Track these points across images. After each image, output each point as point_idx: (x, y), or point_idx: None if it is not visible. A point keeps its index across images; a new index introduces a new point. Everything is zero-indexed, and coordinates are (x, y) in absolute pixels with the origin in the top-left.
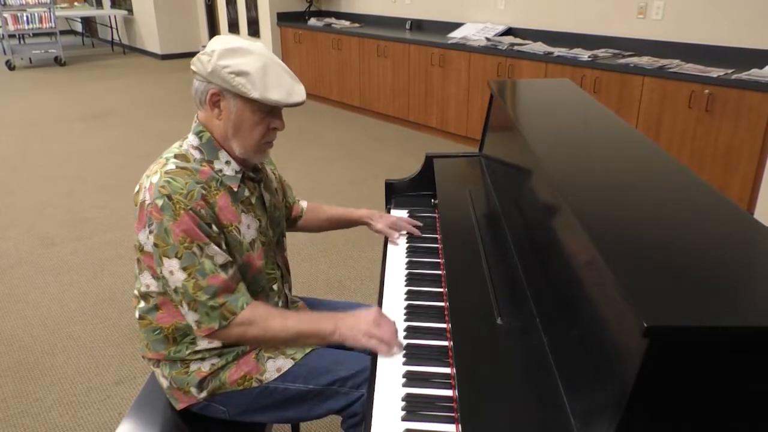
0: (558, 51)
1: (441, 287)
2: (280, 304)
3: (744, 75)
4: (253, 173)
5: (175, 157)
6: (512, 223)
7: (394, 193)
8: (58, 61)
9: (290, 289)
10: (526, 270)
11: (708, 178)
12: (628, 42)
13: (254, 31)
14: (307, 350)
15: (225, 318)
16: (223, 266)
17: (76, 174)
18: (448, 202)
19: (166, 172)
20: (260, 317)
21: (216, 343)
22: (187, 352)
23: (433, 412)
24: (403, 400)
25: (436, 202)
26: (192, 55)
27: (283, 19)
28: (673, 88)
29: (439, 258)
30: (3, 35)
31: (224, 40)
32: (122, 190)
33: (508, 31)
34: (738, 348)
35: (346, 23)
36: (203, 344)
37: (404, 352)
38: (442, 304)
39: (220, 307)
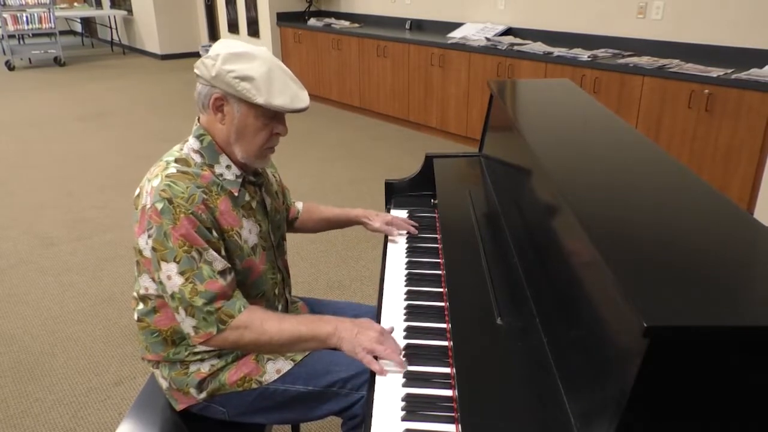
0: (558, 51)
1: (441, 287)
2: (280, 308)
3: (744, 75)
4: (253, 177)
5: (176, 161)
6: (512, 223)
7: (394, 193)
8: (57, 62)
9: (290, 293)
10: (526, 270)
11: (708, 178)
12: (627, 42)
13: (254, 31)
14: (307, 351)
15: (223, 322)
16: (222, 273)
17: (75, 174)
18: (448, 202)
19: (167, 176)
20: (257, 320)
21: None
22: (186, 354)
23: (433, 412)
24: (403, 400)
25: (436, 202)
26: (192, 55)
27: (283, 19)
28: (673, 88)
29: (439, 258)
30: (3, 35)
31: (228, 44)
32: (122, 191)
33: (508, 31)
34: (738, 348)
35: (346, 23)
36: (201, 346)
37: (404, 351)
38: (442, 304)
39: (216, 311)
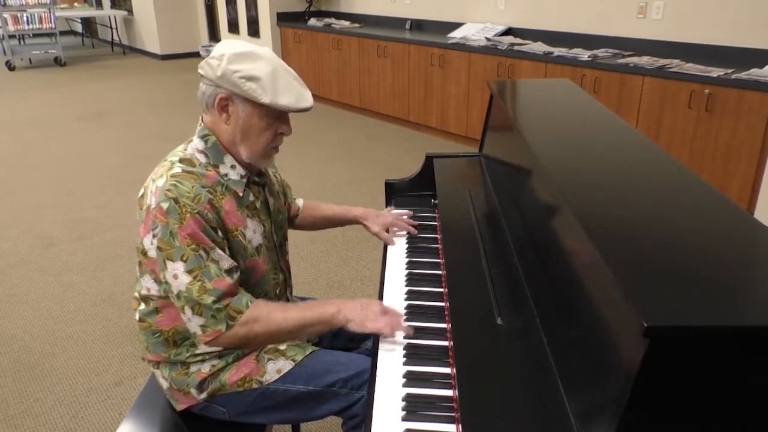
0: (558, 51)
1: (441, 287)
2: None
3: (744, 75)
4: (257, 177)
5: (181, 161)
6: (512, 223)
7: (394, 193)
8: (58, 62)
9: (291, 292)
10: (526, 270)
11: (708, 178)
12: (628, 42)
13: (254, 31)
14: (308, 351)
15: (232, 318)
16: (228, 271)
17: (76, 174)
18: (448, 202)
19: (173, 176)
20: (264, 313)
21: None
22: (187, 355)
23: (433, 412)
24: (403, 400)
25: (436, 202)
26: (192, 55)
27: (283, 19)
28: (673, 88)
29: (439, 258)
30: (3, 36)
31: (232, 44)
32: (122, 190)
33: (508, 31)
34: (738, 348)
35: (346, 23)
36: (203, 347)
37: (404, 351)
38: (442, 304)
39: (225, 308)
